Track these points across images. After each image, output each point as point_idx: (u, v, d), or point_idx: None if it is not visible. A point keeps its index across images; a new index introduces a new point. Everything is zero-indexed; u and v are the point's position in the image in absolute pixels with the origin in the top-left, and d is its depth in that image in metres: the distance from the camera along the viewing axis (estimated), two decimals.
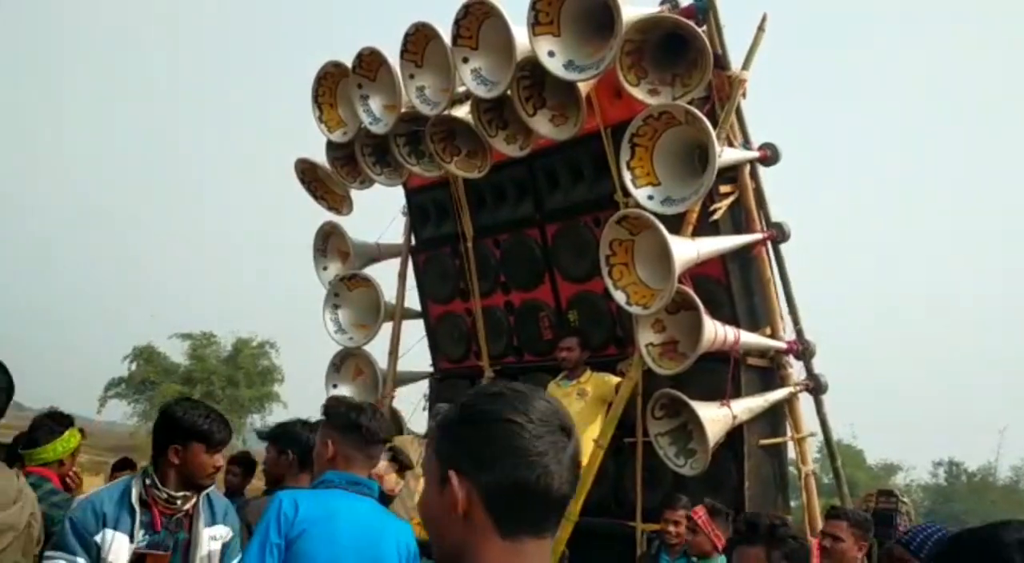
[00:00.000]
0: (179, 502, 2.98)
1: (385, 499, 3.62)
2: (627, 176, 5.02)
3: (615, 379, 5.49)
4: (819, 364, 5.53)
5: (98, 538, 2.82)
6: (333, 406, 3.14)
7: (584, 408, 5.49)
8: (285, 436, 3.90)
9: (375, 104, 6.26)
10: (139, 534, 2.88)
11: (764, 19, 5.23)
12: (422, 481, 3.83)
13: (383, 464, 3.57)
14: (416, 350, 7.30)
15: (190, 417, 2.98)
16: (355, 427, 2.95)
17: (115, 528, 2.86)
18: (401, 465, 3.69)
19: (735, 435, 5.20)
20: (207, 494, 3.07)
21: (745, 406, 5.16)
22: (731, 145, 5.31)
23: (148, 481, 2.96)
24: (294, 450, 3.78)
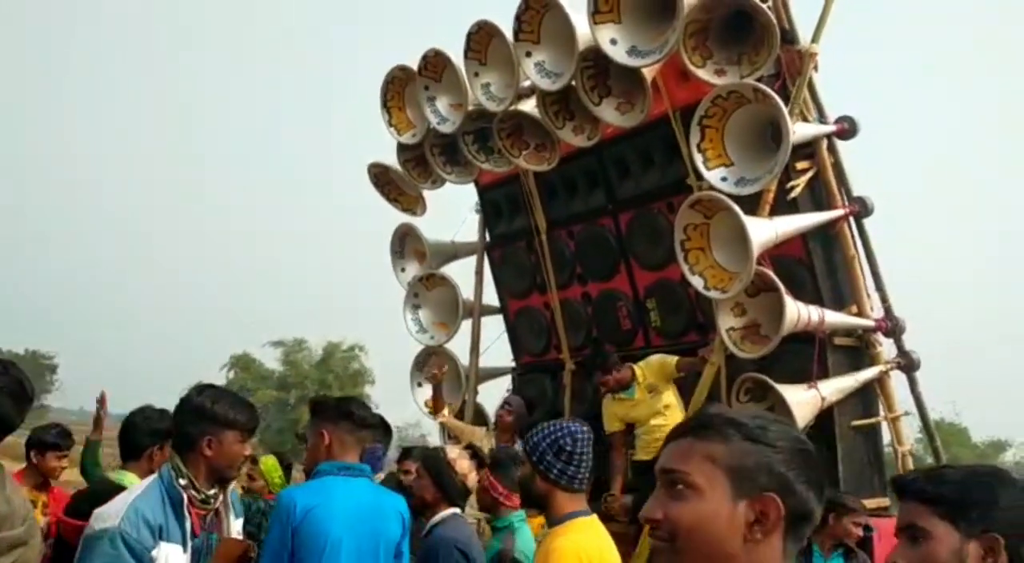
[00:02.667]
0: (212, 501, 2.72)
1: (464, 493, 3.68)
2: (698, 159, 4.94)
3: (658, 356, 5.52)
4: (913, 340, 5.36)
5: (154, 553, 2.49)
6: (321, 401, 3.39)
7: (664, 397, 5.46)
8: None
9: (442, 104, 6.32)
10: (189, 543, 2.59)
11: None
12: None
13: (465, 462, 3.62)
14: (497, 345, 7.36)
15: (221, 405, 2.74)
16: (346, 415, 3.21)
17: (168, 539, 2.54)
18: (480, 462, 3.73)
19: (825, 417, 5.06)
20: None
21: (834, 387, 5.02)
22: (805, 120, 5.17)
23: (183, 481, 2.65)
24: None
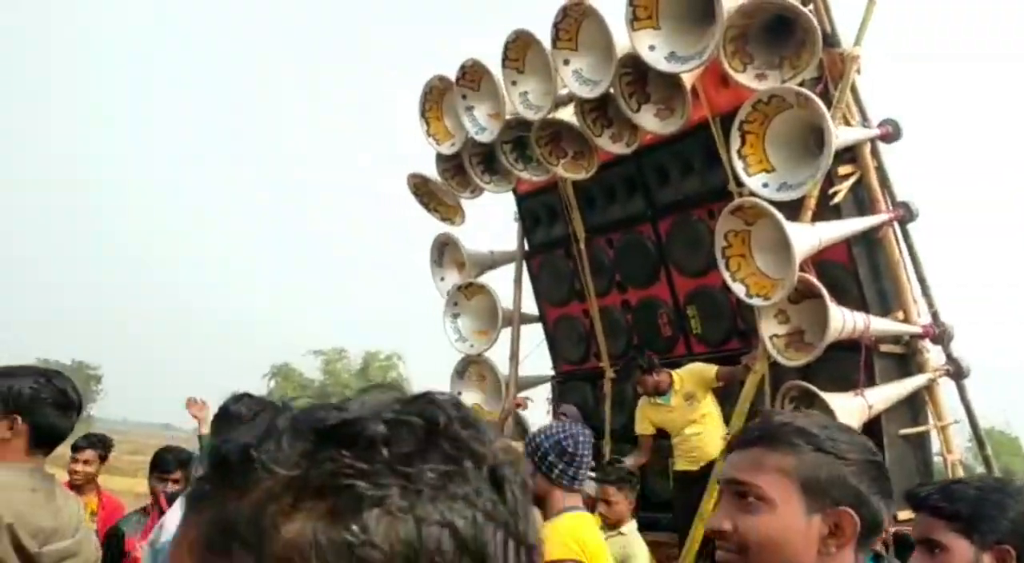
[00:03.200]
0: None
1: None
2: (739, 165, 4.90)
3: (698, 365, 5.52)
4: (962, 347, 5.25)
5: None
6: None
7: (702, 406, 5.42)
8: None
9: (480, 113, 6.34)
10: None
11: None
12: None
13: None
14: (536, 354, 7.34)
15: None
16: None
17: None
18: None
19: (873, 426, 4.95)
20: None
21: (881, 395, 4.93)
22: (848, 124, 5.10)
23: None
24: None
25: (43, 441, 2.40)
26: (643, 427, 5.77)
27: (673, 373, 5.58)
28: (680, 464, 5.64)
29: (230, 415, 2.75)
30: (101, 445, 5.18)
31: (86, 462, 5.14)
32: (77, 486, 4.93)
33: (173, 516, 2.63)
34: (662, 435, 5.88)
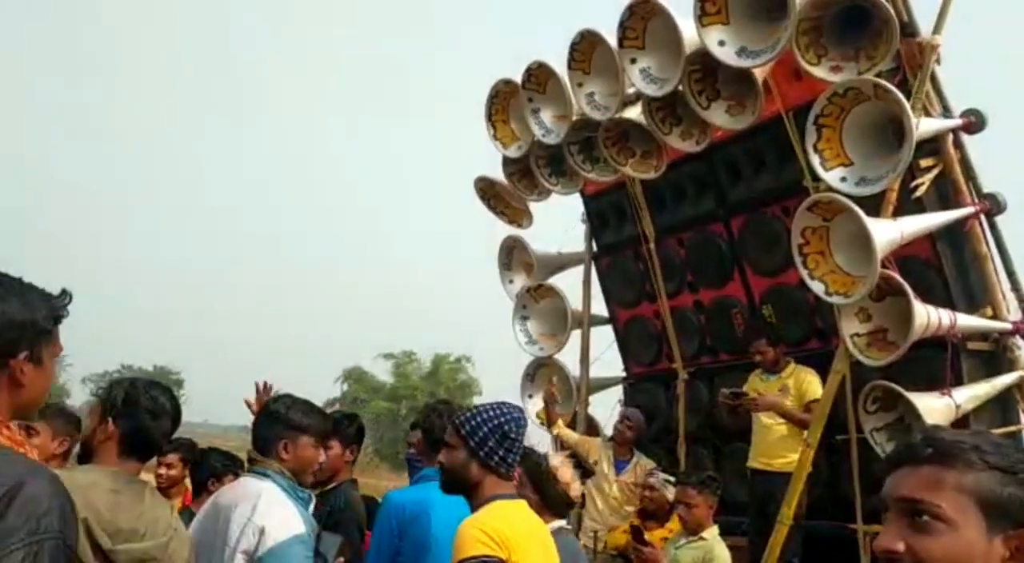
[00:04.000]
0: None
1: (568, 503, 3.63)
2: (815, 159, 4.77)
3: (816, 379, 5.26)
4: None
5: None
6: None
7: (788, 403, 5.29)
8: None
9: (546, 116, 6.32)
10: None
11: None
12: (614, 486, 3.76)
13: (568, 471, 3.56)
14: (607, 356, 7.29)
15: (295, 411, 2.88)
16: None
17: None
18: (585, 472, 3.66)
19: (961, 425, 4.78)
20: None
21: (969, 394, 4.75)
22: (928, 115, 4.92)
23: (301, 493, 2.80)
24: None
25: (136, 446, 2.48)
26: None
27: (793, 364, 5.49)
28: (754, 460, 5.53)
29: (268, 412, 2.92)
30: (187, 449, 5.30)
31: (169, 466, 5.27)
32: (163, 489, 5.06)
33: (276, 521, 2.62)
34: (740, 436, 5.78)
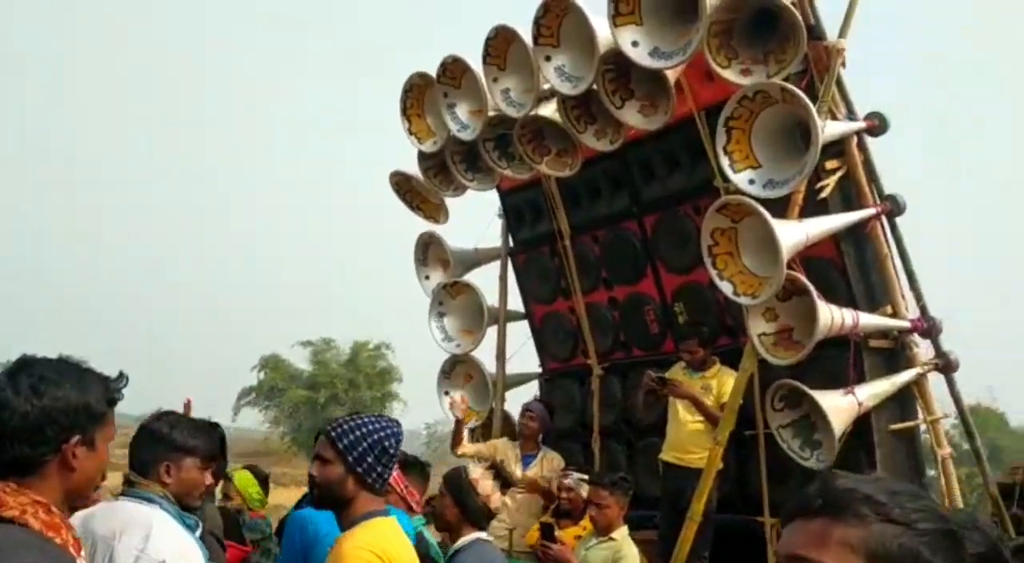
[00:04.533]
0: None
1: (488, 515, 3.59)
2: (725, 161, 4.83)
3: (733, 380, 5.32)
4: (949, 338, 5.22)
5: None
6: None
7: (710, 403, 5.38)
8: None
9: (462, 111, 6.24)
10: None
11: None
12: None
13: (488, 483, 3.52)
14: (524, 352, 7.29)
15: (180, 431, 2.65)
16: None
17: None
18: (505, 482, 3.61)
19: (863, 422, 4.93)
20: None
21: (871, 392, 4.89)
22: (834, 118, 5.04)
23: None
24: None
25: None
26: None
27: (718, 364, 5.52)
28: (667, 453, 5.59)
29: (149, 431, 2.68)
30: None
31: None
32: None
33: (174, 554, 2.40)
34: (654, 431, 5.85)
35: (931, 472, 5.65)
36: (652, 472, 5.85)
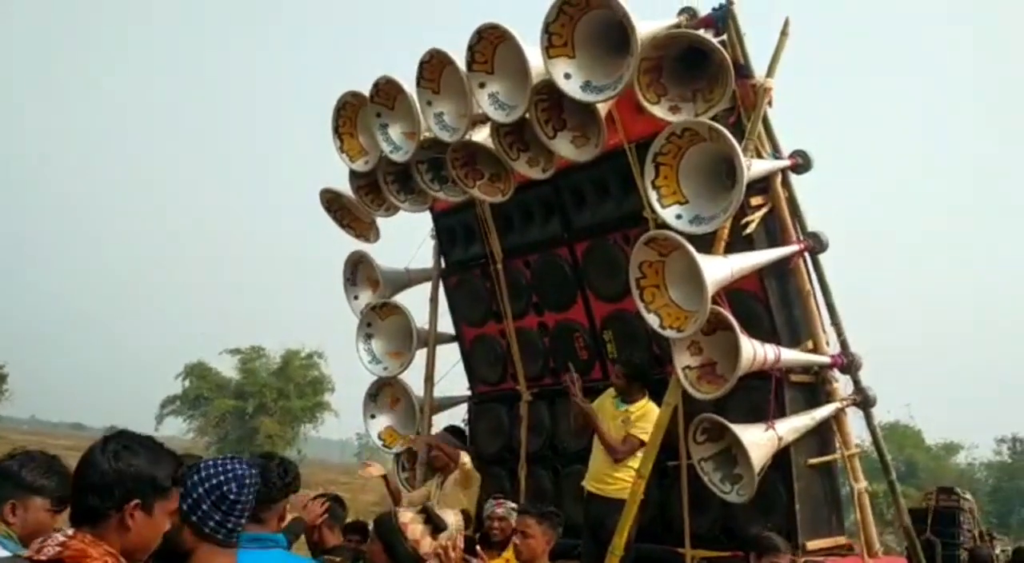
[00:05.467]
0: None
1: (417, 561, 3.49)
2: (653, 195, 4.87)
3: (654, 414, 5.34)
4: (870, 339, 5.34)
5: None
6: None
7: (621, 437, 5.39)
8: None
9: (395, 132, 6.17)
10: None
11: (787, 23, 5.04)
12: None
13: (418, 527, 3.42)
14: (452, 375, 7.24)
15: (30, 469, 2.63)
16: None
17: None
18: (435, 527, 3.51)
19: (782, 455, 5.01)
20: None
21: (791, 426, 4.98)
22: (760, 156, 5.13)
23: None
24: None
25: None
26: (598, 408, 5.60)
27: (646, 401, 5.46)
28: (588, 483, 5.58)
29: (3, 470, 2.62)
30: None
31: None
32: None
33: None
34: (580, 459, 5.85)
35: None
36: (578, 500, 5.84)
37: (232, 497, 2.38)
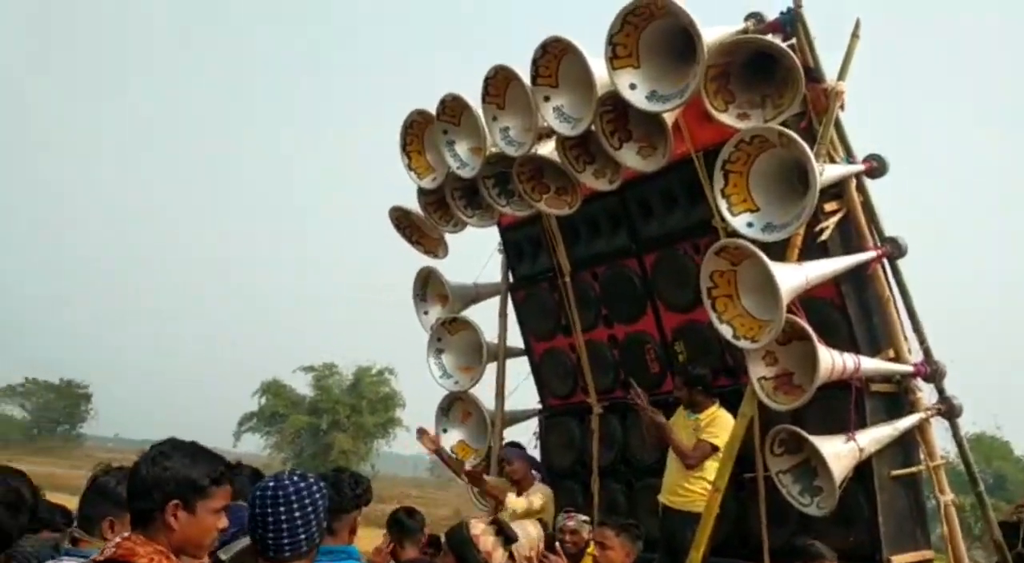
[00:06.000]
0: None
1: None
2: (723, 204, 4.80)
3: (725, 424, 5.27)
4: (955, 345, 5.17)
5: None
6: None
7: (692, 444, 5.32)
8: None
9: (461, 148, 6.23)
10: None
11: (857, 25, 4.94)
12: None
13: (489, 539, 3.43)
14: (523, 388, 7.23)
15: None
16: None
17: None
18: (507, 538, 3.52)
19: (864, 467, 4.87)
20: None
21: (872, 437, 4.83)
22: (833, 161, 5.02)
23: None
24: None
25: None
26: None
27: (716, 410, 5.43)
28: (663, 496, 5.53)
29: (98, 487, 2.69)
30: None
31: None
32: None
33: None
34: (653, 472, 5.79)
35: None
36: (652, 513, 5.77)
37: (299, 512, 2.46)
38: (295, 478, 2.53)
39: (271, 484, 2.51)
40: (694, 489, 5.30)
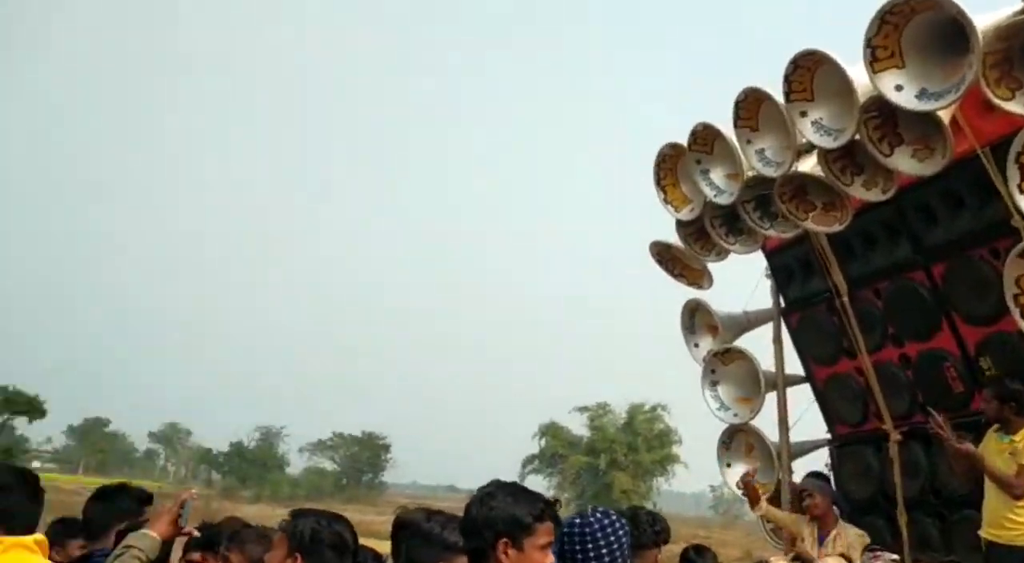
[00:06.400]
0: None
1: None
2: (1021, 201, 4.33)
3: None
4: None
5: None
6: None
7: (1013, 471, 4.75)
8: None
9: (716, 176, 6.14)
10: None
11: None
12: None
13: None
14: (807, 418, 6.88)
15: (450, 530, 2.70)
16: None
17: None
18: None
19: None
20: None
21: None
22: None
23: None
24: None
25: None
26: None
27: None
28: (985, 531, 4.98)
29: (422, 532, 2.68)
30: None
31: None
32: None
33: None
34: (970, 504, 5.24)
35: None
36: (974, 550, 5.21)
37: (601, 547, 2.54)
38: (599, 515, 2.62)
39: (577, 521, 2.62)
40: (1022, 521, 4.73)
